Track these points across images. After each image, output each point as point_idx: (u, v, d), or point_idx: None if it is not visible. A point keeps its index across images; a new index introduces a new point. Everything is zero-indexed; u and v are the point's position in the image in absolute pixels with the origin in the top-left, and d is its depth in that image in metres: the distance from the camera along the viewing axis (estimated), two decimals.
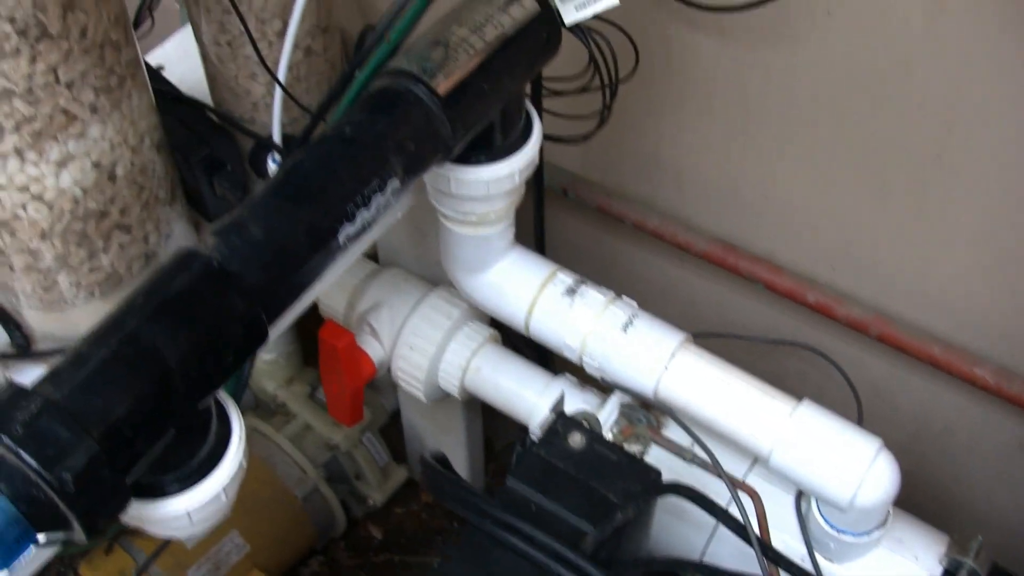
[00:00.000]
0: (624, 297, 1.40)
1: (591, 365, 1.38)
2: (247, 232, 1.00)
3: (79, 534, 0.91)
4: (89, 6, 1.06)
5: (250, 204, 1.03)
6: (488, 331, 1.63)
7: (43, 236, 1.15)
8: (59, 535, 0.94)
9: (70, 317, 1.24)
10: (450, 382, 1.62)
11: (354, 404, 1.63)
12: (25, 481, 0.88)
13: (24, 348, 1.27)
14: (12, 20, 0.99)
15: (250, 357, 1.01)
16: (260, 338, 1.00)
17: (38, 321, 1.25)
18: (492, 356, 1.61)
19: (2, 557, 0.89)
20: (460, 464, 2.14)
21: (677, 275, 1.75)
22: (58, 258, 1.17)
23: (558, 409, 1.25)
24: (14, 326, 1.26)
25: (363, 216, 1.05)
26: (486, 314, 1.63)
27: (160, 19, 1.79)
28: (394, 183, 1.08)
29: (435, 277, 1.68)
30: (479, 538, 1.14)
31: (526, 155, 1.28)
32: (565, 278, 1.41)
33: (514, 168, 1.27)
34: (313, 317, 1.67)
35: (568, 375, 1.58)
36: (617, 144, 1.58)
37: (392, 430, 2.21)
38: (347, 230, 1.05)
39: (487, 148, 1.26)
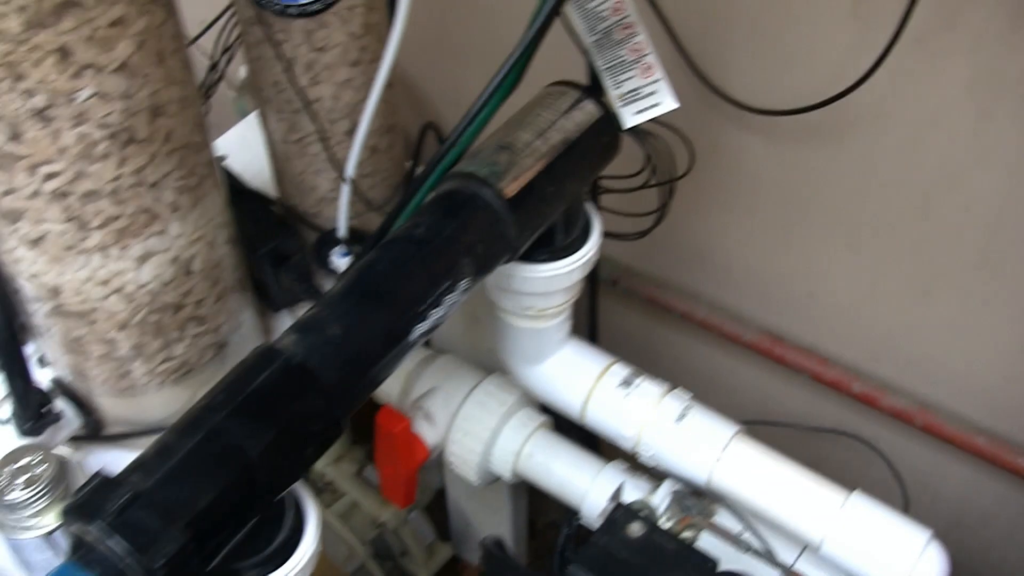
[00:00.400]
0: (678, 389, 1.43)
1: (645, 454, 1.41)
2: (325, 332, 1.04)
3: None
4: (174, 112, 1.10)
5: (327, 303, 1.07)
6: (540, 418, 1.66)
7: (121, 327, 1.19)
8: None
9: (141, 403, 1.28)
10: (503, 466, 1.65)
11: (408, 487, 1.67)
12: (115, 570, 0.92)
13: (95, 431, 1.31)
14: (105, 126, 1.03)
15: (326, 451, 1.05)
16: (336, 433, 1.04)
17: (110, 406, 1.29)
18: (544, 442, 1.64)
19: None
20: (508, 537, 2.16)
21: (724, 364, 1.79)
22: (134, 348, 1.21)
23: (617, 499, 1.28)
24: (87, 410, 1.30)
25: (435, 315, 1.10)
26: (538, 401, 1.67)
27: (215, 104, 1.85)
28: (464, 284, 1.12)
29: (488, 364, 1.72)
30: None
31: (586, 253, 1.32)
32: (620, 370, 1.44)
33: (574, 266, 1.31)
34: None
35: (619, 461, 1.61)
36: (666, 237, 1.62)
37: (437, 507, 2.24)
38: (420, 329, 1.09)
39: (549, 246, 1.30)
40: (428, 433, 1.67)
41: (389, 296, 1.08)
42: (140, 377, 1.26)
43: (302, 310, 1.27)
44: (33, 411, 1.25)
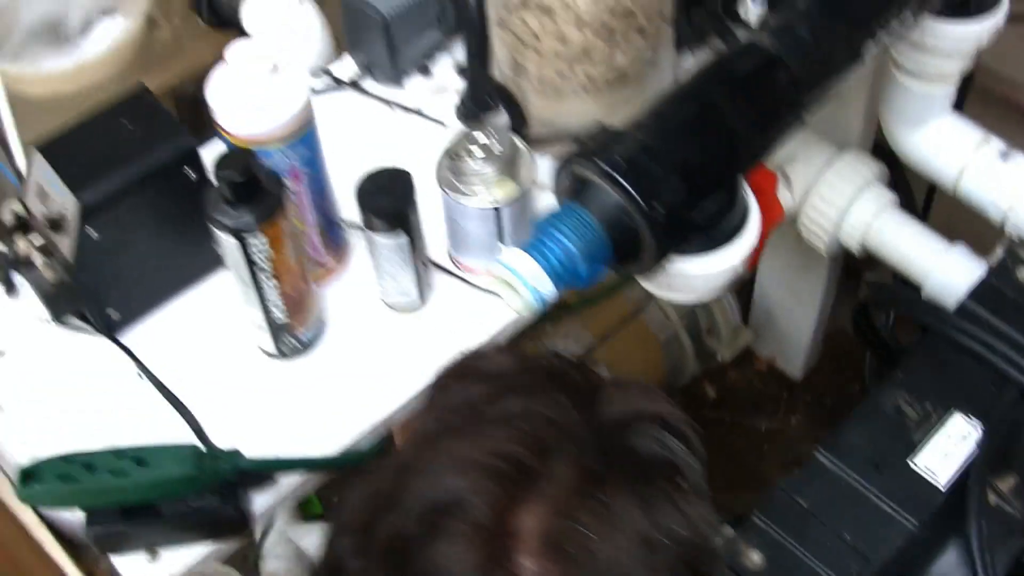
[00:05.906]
0: None
1: (1015, 228, 1.49)
2: (798, 35, 1.15)
3: (645, 263, 1.07)
4: None
5: (795, 13, 1.17)
6: (891, 194, 1.74)
7: (578, 25, 1.28)
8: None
9: (570, 108, 1.36)
10: (852, 236, 1.72)
11: (759, 247, 1.75)
12: (618, 209, 1.03)
13: (519, 128, 1.38)
14: None
15: (788, 137, 1.15)
16: (799, 123, 1.15)
17: (539, 107, 1.38)
18: (893, 218, 1.71)
19: (588, 275, 1.04)
20: (806, 333, 2.25)
21: None
22: (584, 49, 1.30)
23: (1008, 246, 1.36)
24: (517, 111, 1.39)
25: (881, 37, 1.19)
26: (886, 179, 1.75)
27: None
28: (906, 15, 1.21)
29: (841, 141, 1.79)
30: (938, 349, 1.28)
31: (997, 18, 1.40)
32: (998, 143, 1.53)
33: (983, 29, 1.40)
34: None
35: (963, 243, 1.67)
36: None
37: (741, 296, 2.33)
38: (870, 48, 1.18)
39: (964, 5, 1.38)
40: (784, 197, 1.75)
41: (849, 11, 1.19)
42: (580, 79, 1.33)
43: (702, 53, 1.43)
44: (483, 99, 1.36)
